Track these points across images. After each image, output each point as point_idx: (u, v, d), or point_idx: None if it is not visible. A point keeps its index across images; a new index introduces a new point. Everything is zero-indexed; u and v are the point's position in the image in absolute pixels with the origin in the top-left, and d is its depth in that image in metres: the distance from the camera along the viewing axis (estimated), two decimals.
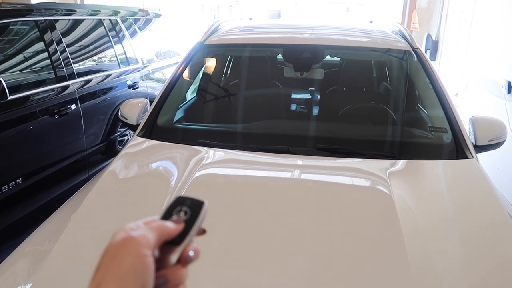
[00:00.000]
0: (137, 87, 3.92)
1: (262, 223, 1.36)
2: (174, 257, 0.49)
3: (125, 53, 3.95)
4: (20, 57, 2.85)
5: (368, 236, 1.30)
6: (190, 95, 2.63)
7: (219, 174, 1.74)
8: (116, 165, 1.76)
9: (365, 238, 1.30)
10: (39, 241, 1.38)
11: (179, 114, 2.31)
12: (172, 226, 0.49)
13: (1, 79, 2.44)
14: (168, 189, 1.53)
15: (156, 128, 2.05)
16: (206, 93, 2.65)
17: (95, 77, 3.41)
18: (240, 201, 1.48)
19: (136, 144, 1.95)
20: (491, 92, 3.71)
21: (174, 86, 2.26)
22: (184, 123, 2.30)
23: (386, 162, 1.74)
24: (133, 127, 2.15)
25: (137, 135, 2.02)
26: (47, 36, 2.99)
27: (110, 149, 3.56)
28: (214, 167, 1.75)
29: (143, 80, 4.09)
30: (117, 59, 3.82)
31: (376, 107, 2.32)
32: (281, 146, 1.85)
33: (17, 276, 1.22)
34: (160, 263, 0.48)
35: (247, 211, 1.42)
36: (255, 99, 2.42)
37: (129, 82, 3.83)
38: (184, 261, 0.49)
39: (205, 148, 1.84)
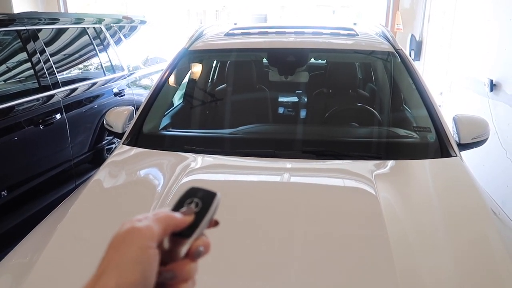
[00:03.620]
0: (123, 95, 3.90)
1: (249, 228, 1.36)
2: (183, 250, 0.47)
3: (110, 60, 3.93)
4: (3, 67, 2.82)
5: (354, 237, 1.31)
6: (176, 101, 2.62)
7: (205, 179, 1.74)
8: (101, 174, 1.75)
9: (352, 239, 1.30)
10: (23, 254, 1.36)
11: (164, 121, 2.30)
12: (179, 217, 0.48)
13: None
14: (154, 196, 1.52)
15: (142, 136, 2.04)
16: (191, 99, 2.65)
17: (80, 86, 3.38)
18: (227, 205, 1.47)
19: (122, 152, 1.94)
20: (474, 91, 3.77)
21: (159, 93, 2.25)
22: (170, 130, 2.29)
23: (371, 163, 1.75)
24: (119, 135, 2.14)
25: (122, 143, 2.01)
26: (30, 46, 2.96)
27: (97, 158, 3.53)
28: (200, 173, 1.75)
29: (129, 87, 4.07)
30: (102, 67, 3.80)
31: (361, 108, 2.34)
32: (267, 150, 1.86)
33: None
34: (170, 255, 0.47)
35: (233, 215, 1.42)
36: (240, 103, 2.42)
37: (115, 90, 3.81)
38: (192, 255, 0.47)
39: (192, 154, 1.83)
